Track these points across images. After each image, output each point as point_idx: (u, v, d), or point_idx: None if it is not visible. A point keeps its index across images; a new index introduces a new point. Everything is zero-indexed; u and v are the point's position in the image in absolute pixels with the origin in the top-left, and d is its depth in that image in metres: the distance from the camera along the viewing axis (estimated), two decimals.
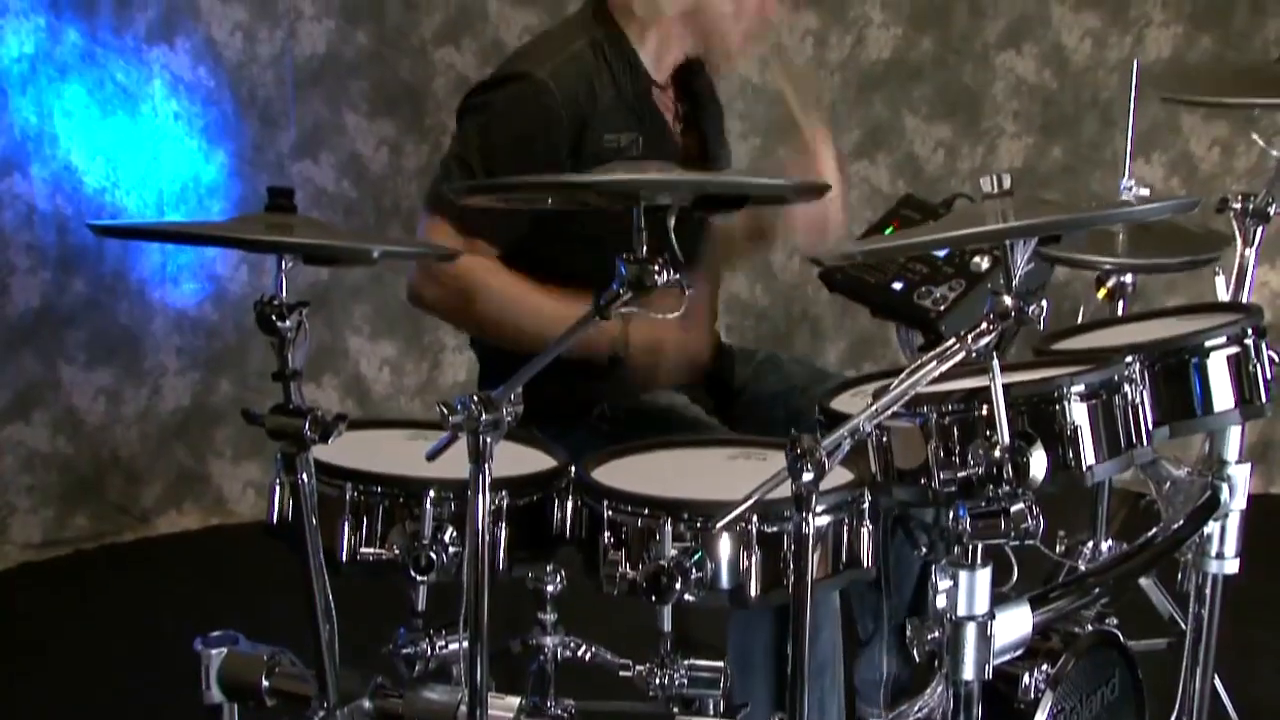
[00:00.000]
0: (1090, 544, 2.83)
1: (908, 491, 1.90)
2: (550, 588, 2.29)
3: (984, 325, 1.71)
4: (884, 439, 1.90)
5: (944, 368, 1.71)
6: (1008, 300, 1.71)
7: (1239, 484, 2.39)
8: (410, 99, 4.49)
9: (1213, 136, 4.74)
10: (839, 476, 1.94)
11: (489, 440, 1.77)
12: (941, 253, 2.65)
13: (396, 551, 1.92)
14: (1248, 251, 2.51)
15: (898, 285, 2.61)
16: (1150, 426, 1.99)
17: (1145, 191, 2.76)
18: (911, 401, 1.80)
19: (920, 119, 4.74)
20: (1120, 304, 2.85)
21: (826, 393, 2.14)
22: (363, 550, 1.93)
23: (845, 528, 1.92)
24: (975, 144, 4.73)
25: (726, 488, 1.83)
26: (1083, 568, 2.69)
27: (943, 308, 2.56)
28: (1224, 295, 2.43)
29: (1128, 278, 2.83)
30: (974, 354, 1.71)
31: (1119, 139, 4.69)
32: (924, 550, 2.41)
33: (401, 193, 4.52)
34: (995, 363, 1.74)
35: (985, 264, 2.69)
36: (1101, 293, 2.82)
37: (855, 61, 4.69)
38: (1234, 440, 2.39)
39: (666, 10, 2.51)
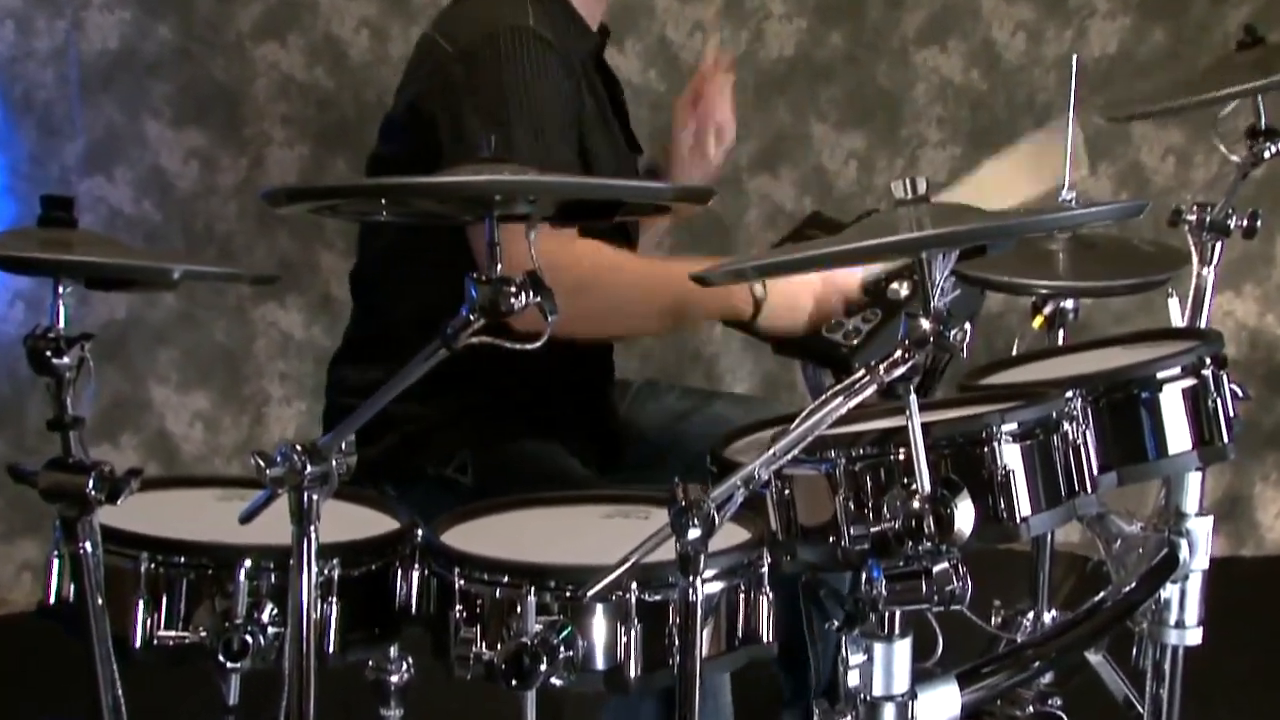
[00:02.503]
0: (1030, 614, 2.87)
1: (814, 551, 1.92)
2: (394, 677, 2.28)
3: (898, 353, 1.73)
4: (785, 490, 1.92)
5: (852, 404, 1.73)
6: (925, 324, 1.72)
7: (1200, 540, 2.46)
8: (225, 104, 4.45)
9: (1167, 145, 4.85)
10: (733, 535, 1.95)
11: (315, 498, 1.76)
12: None
13: (203, 634, 1.89)
14: (1205, 271, 2.59)
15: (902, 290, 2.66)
16: (1095, 472, 2.04)
17: (1088, 204, 2.81)
18: (816, 445, 1.82)
19: (829, 126, 4.80)
20: (1060, 333, 2.90)
21: (720, 439, 2.16)
22: (162, 633, 1.90)
23: (741, 596, 1.93)
24: (893, 155, 4.79)
25: (601, 551, 1.83)
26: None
27: (856, 342, 2.62)
28: (1179, 321, 2.49)
29: (1068, 303, 2.89)
30: (886, 387, 1.72)
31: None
32: (836, 623, 2.44)
33: (215, 214, 4.47)
34: (913, 398, 1.76)
35: (905, 290, 2.73)
36: (1038, 321, 2.87)
37: (753, 60, 4.72)
38: (1193, 489, 2.47)
39: None
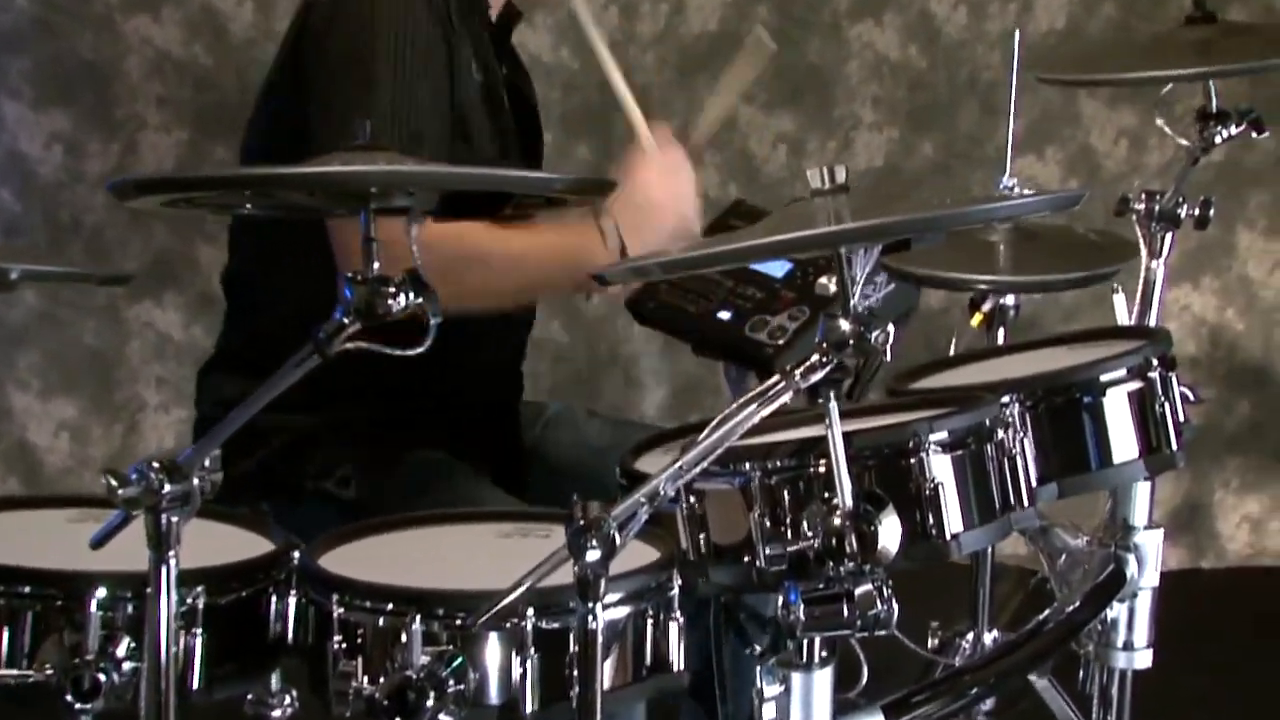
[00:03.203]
0: (970, 635, 2.88)
1: (727, 572, 1.91)
2: (275, 712, 2.25)
3: (815, 357, 1.73)
4: (696, 506, 1.92)
5: (765, 412, 1.72)
6: (844, 324, 1.73)
7: (1149, 555, 2.48)
8: (92, 83, 4.40)
9: (1119, 127, 4.88)
10: (641, 555, 1.94)
11: (175, 520, 1.73)
12: (779, 273, 2.71)
13: (50, 672, 1.85)
14: (1155, 264, 2.60)
15: (725, 314, 2.68)
16: (1033, 483, 2.04)
17: (1030, 192, 2.82)
18: (728, 457, 1.81)
19: (756, 107, 4.79)
20: (1000, 332, 2.90)
21: (631, 449, 2.15)
22: (2, 672, 1.86)
23: (649, 621, 1.91)
24: (825, 138, 4.81)
25: (496, 574, 1.81)
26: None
27: (781, 341, 2.64)
28: (1125, 319, 2.49)
29: (1009, 299, 2.89)
30: (804, 394, 1.72)
31: (1004, 130, 4.80)
32: (758, 649, 2.44)
33: (83, 205, 4.42)
34: (833, 406, 1.76)
35: (835, 285, 2.75)
36: (976, 319, 2.88)
37: (673, 36, 4.72)
38: (1142, 499, 2.49)
39: None
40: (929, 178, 4.81)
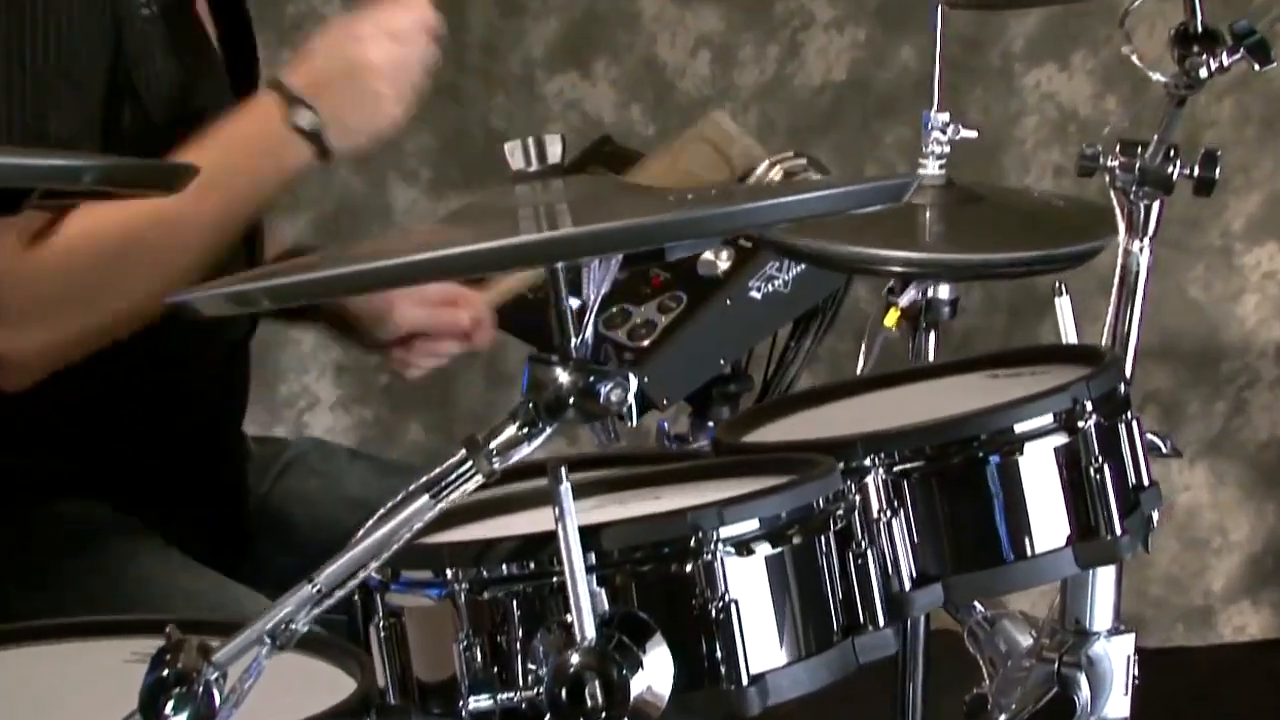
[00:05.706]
0: None
1: None
2: None
3: (514, 427, 1.64)
4: (395, 626, 1.85)
5: (442, 506, 1.65)
6: (561, 375, 1.63)
7: (1112, 671, 2.41)
8: None
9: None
10: (332, 687, 1.83)
11: None
12: None
13: None
14: (1136, 245, 2.54)
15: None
16: (905, 587, 1.98)
17: (972, 134, 2.73)
18: (433, 560, 1.79)
19: None
20: (930, 338, 2.79)
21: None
22: None
23: None
24: (765, 41, 4.79)
25: None
26: None
27: (647, 342, 2.73)
28: (1071, 332, 2.38)
29: (942, 290, 2.78)
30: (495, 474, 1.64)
31: (1013, 27, 4.71)
32: None
33: None
34: (564, 488, 1.68)
35: (725, 263, 2.72)
36: (891, 316, 2.76)
37: None
38: (1104, 591, 2.41)
39: None
40: (909, 95, 4.71)
